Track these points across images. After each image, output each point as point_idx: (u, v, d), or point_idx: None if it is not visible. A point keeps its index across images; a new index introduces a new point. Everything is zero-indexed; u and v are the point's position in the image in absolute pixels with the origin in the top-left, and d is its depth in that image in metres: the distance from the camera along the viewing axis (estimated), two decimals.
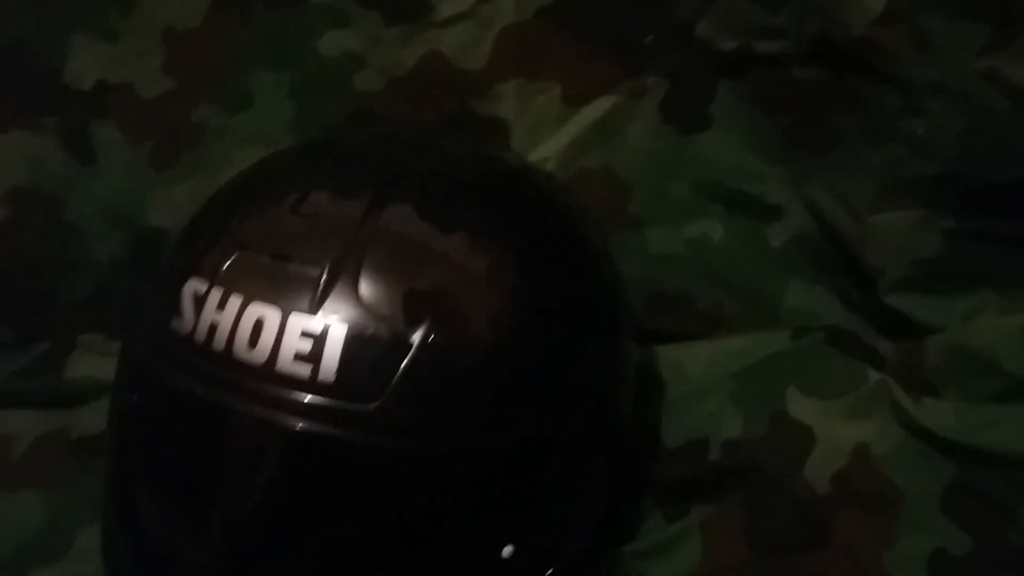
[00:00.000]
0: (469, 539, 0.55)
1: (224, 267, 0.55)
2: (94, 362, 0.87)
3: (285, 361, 0.53)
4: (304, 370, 0.52)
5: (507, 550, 0.55)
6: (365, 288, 0.54)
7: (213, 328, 0.54)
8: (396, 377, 0.53)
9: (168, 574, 0.57)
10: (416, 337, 0.53)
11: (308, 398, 0.52)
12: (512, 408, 0.56)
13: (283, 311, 0.53)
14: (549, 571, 0.59)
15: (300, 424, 0.52)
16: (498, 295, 0.57)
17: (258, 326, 0.53)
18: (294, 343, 0.53)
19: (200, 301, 0.55)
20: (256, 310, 0.54)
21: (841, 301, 0.73)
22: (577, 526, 0.61)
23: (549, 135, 0.74)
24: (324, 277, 0.54)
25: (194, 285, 0.56)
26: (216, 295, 0.55)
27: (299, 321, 0.53)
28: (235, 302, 0.54)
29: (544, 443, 0.57)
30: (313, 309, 0.53)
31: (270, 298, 0.53)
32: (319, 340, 0.53)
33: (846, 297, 0.73)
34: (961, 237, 0.68)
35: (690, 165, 0.75)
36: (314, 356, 0.52)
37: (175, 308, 0.56)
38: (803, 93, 0.72)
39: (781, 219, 0.74)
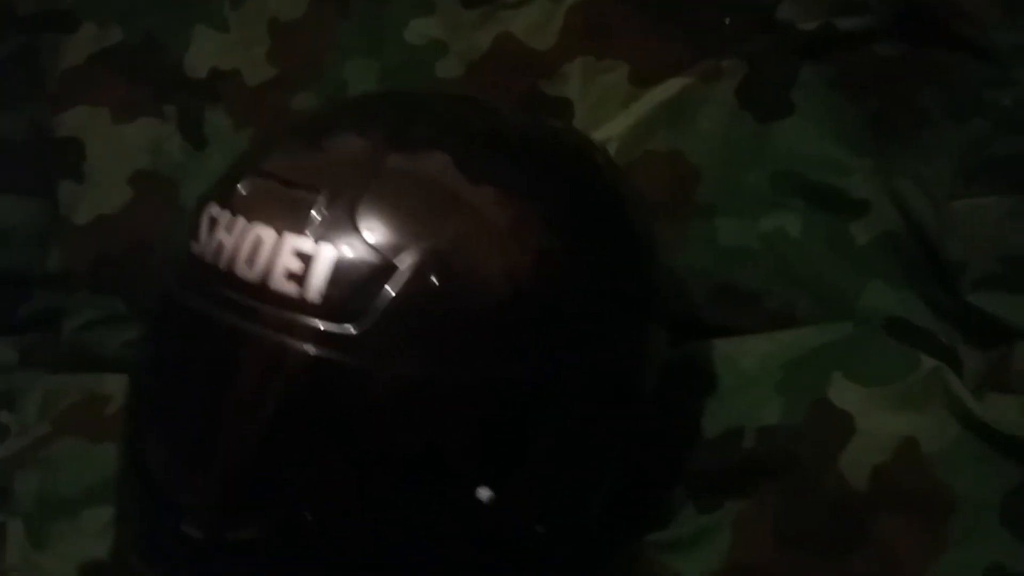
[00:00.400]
0: (443, 474, 0.53)
1: (237, 192, 0.57)
2: None
3: (277, 279, 0.53)
4: (293, 289, 0.52)
5: (484, 492, 0.52)
6: (363, 215, 0.53)
7: (220, 248, 0.55)
8: (380, 300, 0.51)
9: (166, 502, 0.57)
10: (406, 264, 0.52)
11: (296, 317, 0.52)
12: (502, 349, 0.53)
13: (278, 231, 0.54)
14: (539, 531, 0.55)
15: (288, 342, 0.52)
16: (511, 245, 0.55)
17: (256, 245, 0.54)
18: (286, 262, 0.53)
19: (213, 224, 0.56)
20: (256, 230, 0.54)
21: (925, 303, 0.65)
22: (572, 492, 0.57)
23: (614, 115, 0.72)
24: (322, 200, 0.54)
25: (211, 210, 0.57)
26: (226, 217, 0.56)
27: (292, 241, 0.53)
28: (240, 224, 0.55)
29: (531, 390, 0.54)
30: (306, 230, 0.53)
31: (269, 219, 0.54)
32: (308, 260, 0.52)
33: (931, 299, 0.65)
34: None
35: (768, 154, 0.70)
36: (303, 275, 0.53)
37: (195, 232, 0.58)
38: (887, 72, 0.66)
39: (867, 215, 0.68)
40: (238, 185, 0.57)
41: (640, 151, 0.72)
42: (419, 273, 0.52)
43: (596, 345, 0.56)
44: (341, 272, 0.52)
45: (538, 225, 0.56)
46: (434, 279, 0.52)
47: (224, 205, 0.57)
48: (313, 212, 0.54)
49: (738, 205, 0.71)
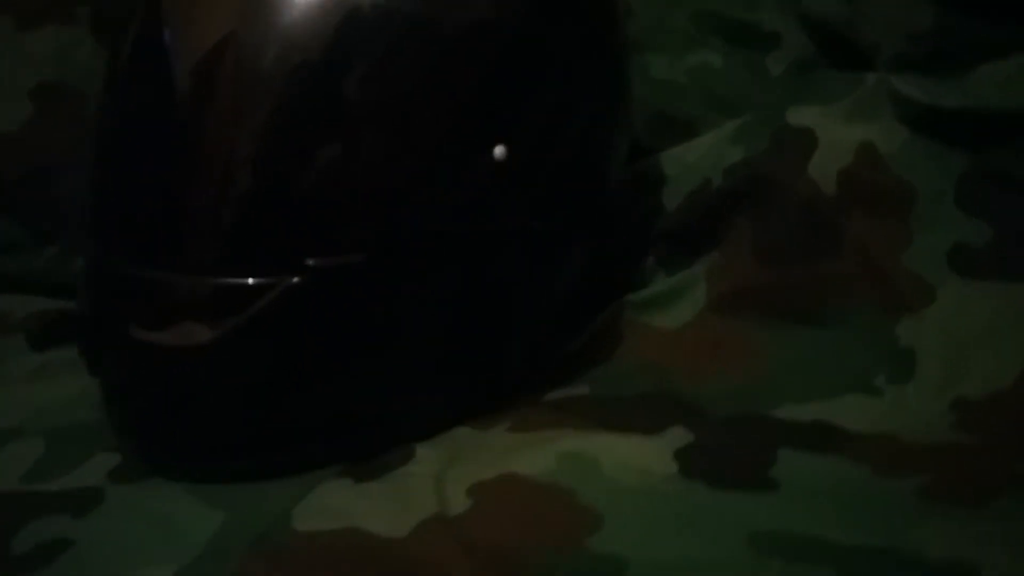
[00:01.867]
0: (462, 132, 0.52)
1: None
2: None
3: None
4: None
5: (499, 150, 0.52)
6: None
7: None
8: None
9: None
10: None
11: None
12: None
13: None
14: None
15: None
16: None
17: None
18: None
19: None
20: None
21: None
22: (572, 149, 0.57)
23: None
24: None
25: None
26: None
27: None
28: None
29: (534, 46, 0.54)
30: None
31: None
32: None
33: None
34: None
35: None
36: None
37: None
38: None
39: (778, 47, 0.75)
40: None
41: None
42: None
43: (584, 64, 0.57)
44: None
45: None
46: None
47: None
48: None
49: (665, 43, 0.76)
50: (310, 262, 0.49)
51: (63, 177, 0.90)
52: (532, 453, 0.50)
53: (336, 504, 0.48)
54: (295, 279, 0.49)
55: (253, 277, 0.49)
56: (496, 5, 0.53)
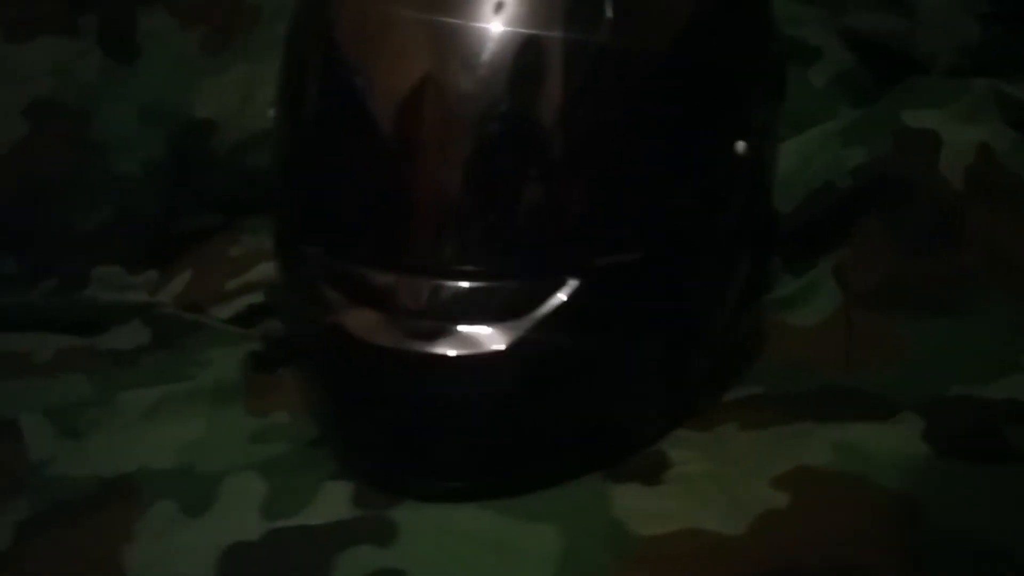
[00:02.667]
0: (711, 133, 0.52)
1: None
2: (109, 297, 0.81)
3: None
4: None
5: (740, 145, 0.52)
6: None
7: None
8: None
9: None
10: None
11: None
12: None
13: None
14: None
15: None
16: None
17: None
18: None
19: None
20: None
21: None
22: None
23: None
24: None
25: None
26: None
27: None
28: None
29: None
30: None
31: None
32: None
33: None
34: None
35: None
36: None
37: None
38: None
39: (821, 60, 0.79)
40: None
41: None
42: None
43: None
44: None
45: None
46: None
47: None
48: None
49: None
50: (597, 262, 0.48)
51: (60, 202, 0.84)
52: (805, 445, 0.51)
53: (654, 507, 0.47)
54: (578, 280, 0.48)
55: (534, 279, 0.48)
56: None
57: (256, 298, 0.81)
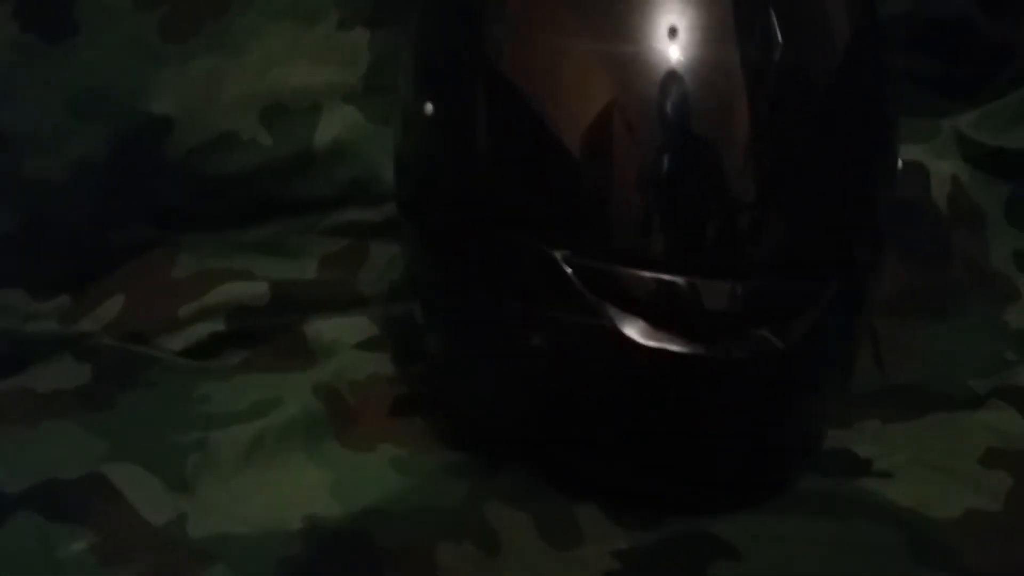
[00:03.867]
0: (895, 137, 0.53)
1: None
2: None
3: None
4: None
5: (900, 162, 0.53)
6: None
7: None
8: None
9: None
10: None
11: None
12: None
13: None
14: None
15: None
16: None
17: None
18: None
19: None
20: None
21: None
22: None
23: None
24: None
25: None
26: None
27: None
28: None
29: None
30: None
31: None
32: None
33: None
34: None
35: None
36: None
37: None
38: None
39: None
40: None
41: None
42: None
43: None
44: None
45: None
46: None
47: None
48: None
49: None
50: (855, 261, 0.48)
51: None
52: (966, 430, 0.54)
53: (918, 494, 0.49)
54: (837, 280, 0.47)
55: (808, 280, 0.47)
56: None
57: (216, 326, 0.69)
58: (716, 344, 0.45)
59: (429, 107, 0.51)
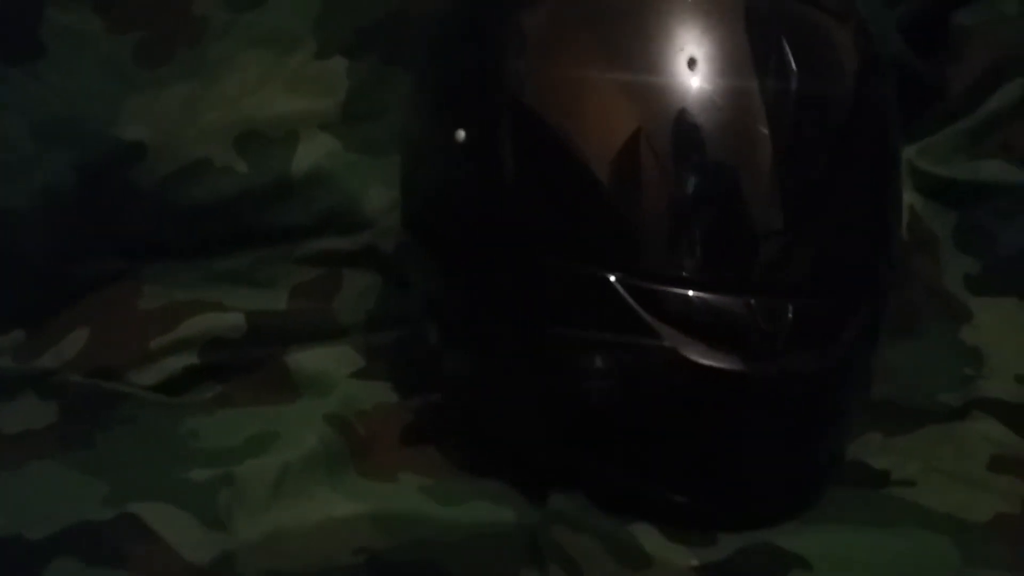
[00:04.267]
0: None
1: None
2: None
3: None
4: None
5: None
6: None
7: None
8: None
9: None
10: None
11: None
12: None
13: None
14: None
15: None
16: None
17: None
18: None
19: None
20: None
21: None
22: None
23: None
24: None
25: None
26: None
27: None
28: None
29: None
30: None
31: None
32: None
33: None
34: None
35: None
36: None
37: None
38: None
39: None
40: None
41: None
42: None
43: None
44: None
45: None
46: None
47: None
48: None
49: None
50: (882, 284, 0.51)
51: None
52: (965, 439, 0.56)
53: (952, 503, 0.51)
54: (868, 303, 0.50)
55: (846, 300, 0.49)
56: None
57: (189, 359, 0.67)
58: (768, 362, 0.47)
59: (461, 134, 0.51)
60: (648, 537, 0.47)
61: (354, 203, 0.71)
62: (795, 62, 0.48)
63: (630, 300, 0.46)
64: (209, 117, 0.68)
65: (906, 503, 0.51)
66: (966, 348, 0.69)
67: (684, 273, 0.47)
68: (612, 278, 0.47)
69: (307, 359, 0.66)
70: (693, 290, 0.46)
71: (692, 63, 0.48)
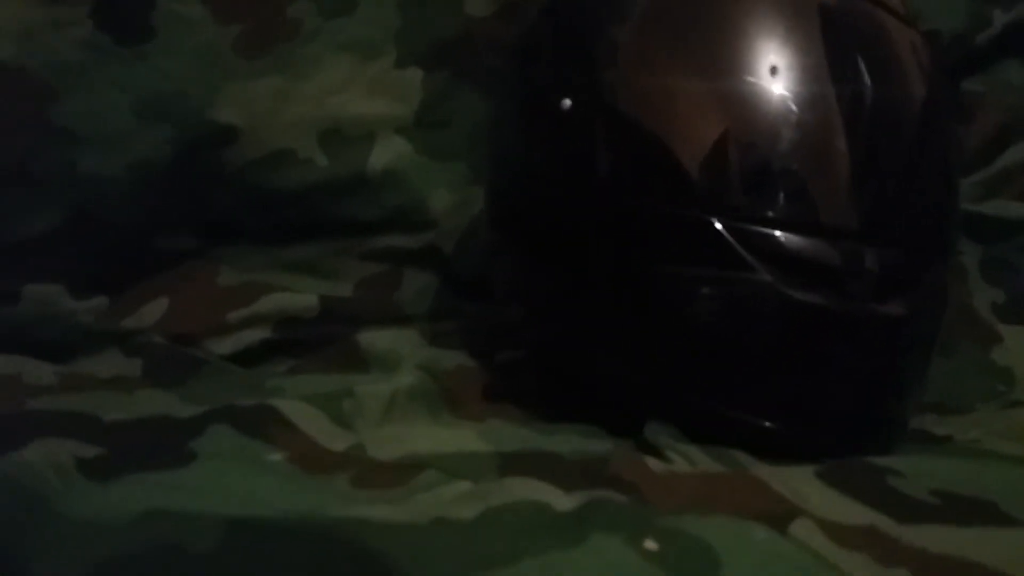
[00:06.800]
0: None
1: None
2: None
3: None
4: None
5: None
6: None
7: None
8: None
9: None
10: None
11: None
12: None
13: None
14: None
15: None
16: None
17: None
18: None
19: None
20: None
21: None
22: None
23: None
24: None
25: None
26: None
27: None
28: None
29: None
30: None
31: None
32: None
33: None
34: None
35: None
36: None
37: None
38: None
39: None
40: None
41: None
42: None
43: None
44: None
45: None
46: None
47: None
48: None
49: None
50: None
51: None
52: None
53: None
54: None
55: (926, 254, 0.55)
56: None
57: (264, 333, 0.70)
58: (855, 303, 0.52)
59: (567, 103, 0.56)
60: (745, 458, 0.50)
61: (421, 203, 0.75)
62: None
63: (731, 240, 0.51)
64: (297, 110, 0.73)
65: (981, 448, 0.54)
66: (998, 368, 0.73)
67: (779, 217, 0.51)
68: (718, 224, 0.51)
69: (378, 338, 0.70)
70: (791, 232, 0.51)
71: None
